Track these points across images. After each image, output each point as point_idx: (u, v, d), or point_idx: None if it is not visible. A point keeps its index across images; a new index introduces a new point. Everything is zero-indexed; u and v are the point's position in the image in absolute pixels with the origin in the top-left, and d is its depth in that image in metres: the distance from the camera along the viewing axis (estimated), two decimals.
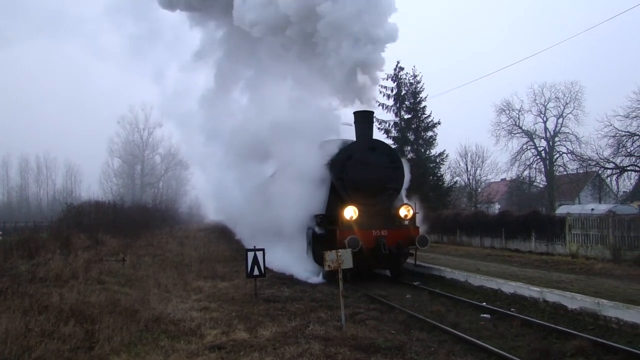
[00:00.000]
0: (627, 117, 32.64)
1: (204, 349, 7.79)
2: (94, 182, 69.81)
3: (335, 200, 15.59)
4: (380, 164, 15.79)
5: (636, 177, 36.23)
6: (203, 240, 29.01)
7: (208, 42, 23.28)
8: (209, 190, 34.91)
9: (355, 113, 16.31)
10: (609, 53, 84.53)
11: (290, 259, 16.72)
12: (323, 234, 15.39)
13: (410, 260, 16.38)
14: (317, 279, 15.25)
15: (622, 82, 71.36)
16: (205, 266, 17.90)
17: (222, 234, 31.22)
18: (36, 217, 44.02)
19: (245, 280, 13.62)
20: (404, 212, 15.75)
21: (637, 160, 33.88)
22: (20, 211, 66.40)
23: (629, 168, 34.59)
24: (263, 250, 12.53)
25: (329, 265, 9.31)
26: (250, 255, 12.40)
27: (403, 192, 16.91)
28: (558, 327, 9.11)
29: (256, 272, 12.36)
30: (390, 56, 48.15)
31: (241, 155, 20.50)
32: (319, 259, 14.73)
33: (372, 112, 16.85)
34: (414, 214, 15.86)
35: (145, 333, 8.56)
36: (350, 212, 14.77)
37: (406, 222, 15.84)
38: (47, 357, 6.86)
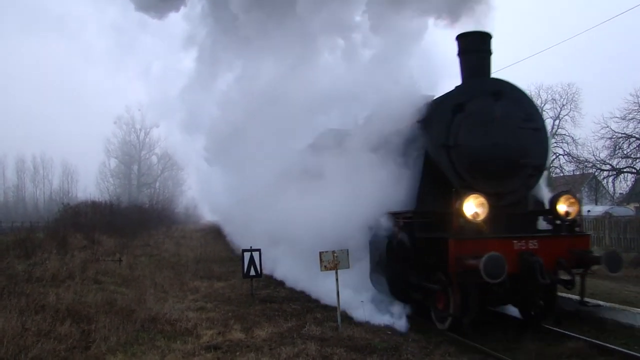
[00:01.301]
0: (623, 119, 32.79)
1: (200, 349, 7.80)
2: (91, 182, 70.02)
3: (434, 185, 9.21)
4: (511, 121, 9.14)
5: (632, 179, 36.38)
6: (199, 241, 29.02)
7: (193, 21, 21.89)
8: (201, 189, 34.78)
9: (461, 37, 9.78)
10: (606, 55, 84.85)
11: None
12: (412, 245, 9.17)
13: (571, 294, 9.64)
14: (400, 322, 9.40)
15: (618, 84, 71.59)
16: (202, 266, 17.92)
17: (219, 234, 31.23)
18: (33, 217, 43.93)
19: (241, 280, 13.60)
20: (564, 207, 9.03)
21: (634, 162, 34.03)
22: (17, 211, 66.25)
23: (625, 170, 34.73)
24: (259, 250, 12.51)
25: (325, 267, 9.10)
26: (247, 255, 12.39)
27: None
28: (554, 328, 9.06)
29: (252, 272, 12.35)
30: None
31: (227, 141, 17.97)
32: (398, 288, 9.47)
33: (490, 36, 9.75)
34: (580, 210, 9.37)
35: (141, 333, 8.56)
36: (474, 207, 8.27)
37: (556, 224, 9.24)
38: (43, 356, 6.86)
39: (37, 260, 14.70)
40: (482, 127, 9.04)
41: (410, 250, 9.17)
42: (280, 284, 14.54)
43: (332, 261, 9.14)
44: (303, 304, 11.54)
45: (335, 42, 13.61)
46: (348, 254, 9.35)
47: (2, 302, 9.15)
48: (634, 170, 34.57)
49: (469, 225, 8.23)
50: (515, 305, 9.57)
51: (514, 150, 9.06)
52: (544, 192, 10.01)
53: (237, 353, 7.66)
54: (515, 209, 9.25)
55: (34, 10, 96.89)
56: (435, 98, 10.07)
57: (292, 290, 13.51)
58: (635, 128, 32.62)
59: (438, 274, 8.80)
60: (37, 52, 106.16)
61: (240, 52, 18.23)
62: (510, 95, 9.41)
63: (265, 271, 13.81)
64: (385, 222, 9.60)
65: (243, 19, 15.92)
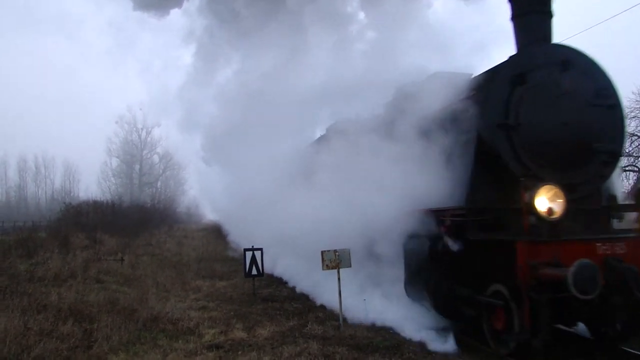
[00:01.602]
0: (625, 118, 32.69)
1: (202, 348, 7.81)
2: (93, 182, 69.89)
3: (489, 175, 7.54)
4: (582, 97, 7.55)
5: (634, 177, 36.31)
6: (201, 240, 29.04)
7: (192, 15, 21.55)
8: (202, 188, 34.61)
9: None
10: (608, 54, 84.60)
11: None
12: (463, 250, 7.50)
13: None
14: (448, 345, 7.75)
15: (621, 83, 71.57)
16: (204, 265, 17.93)
17: (220, 233, 31.23)
18: (35, 217, 43.99)
19: (243, 279, 13.61)
20: None
21: (636, 161, 33.95)
22: (19, 211, 66.39)
23: (627, 168, 34.58)
24: (261, 249, 12.51)
25: (327, 265, 9.09)
26: (249, 254, 12.39)
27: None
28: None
29: (254, 271, 12.36)
30: None
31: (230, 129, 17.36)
32: (444, 302, 7.87)
33: None
34: None
35: (143, 332, 8.58)
36: (548, 201, 6.51)
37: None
38: (45, 356, 6.88)
39: (39, 259, 14.75)
40: (548, 103, 7.40)
41: (460, 256, 7.50)
42: (282, 282, 14.55)
43: (334, 260, 9.12)
44: (305, 303, 11.55)
45: (335, 30, 13.07)
46: (350, 254, 9.30)
47: (5, 302, 9.18)
48: (636, 169, 34.50)
49: (542, 224, 6.47)
50: (586, 323, 7.67)
51: (587, 131, 7.47)
52: (617, 184, 8.39)
53: (239, 352, 7.66)
54: (588, 204, 7.49)
55: (33, 9, 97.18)
56: (491, 70, 8.30)
57: (294, 289, 13.47)
58: (637, 126, 32.39)
59: (496, 285, 7.11)
60: (37, 51, 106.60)
61: (238, 46, 17.95)
62: (580, 65, 7.78)
63: (267, 270, 13.79)
64: (424, 222, 8.02)
65: (244, 13, 15.87)
